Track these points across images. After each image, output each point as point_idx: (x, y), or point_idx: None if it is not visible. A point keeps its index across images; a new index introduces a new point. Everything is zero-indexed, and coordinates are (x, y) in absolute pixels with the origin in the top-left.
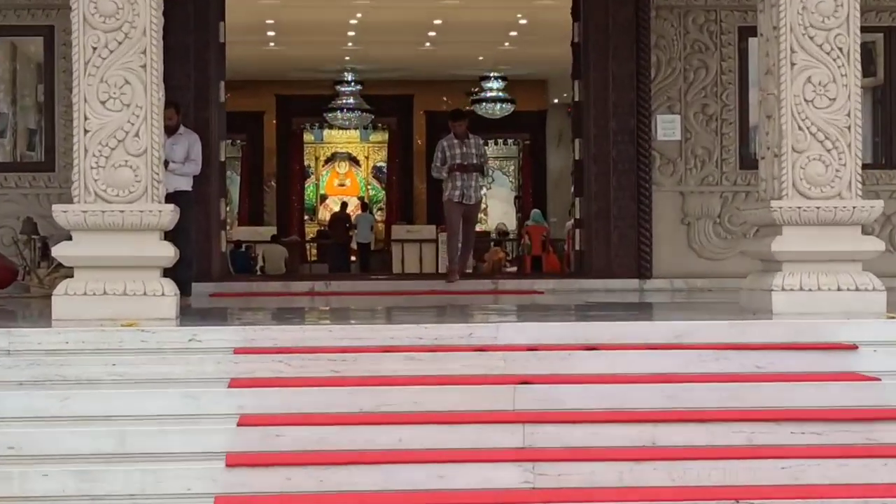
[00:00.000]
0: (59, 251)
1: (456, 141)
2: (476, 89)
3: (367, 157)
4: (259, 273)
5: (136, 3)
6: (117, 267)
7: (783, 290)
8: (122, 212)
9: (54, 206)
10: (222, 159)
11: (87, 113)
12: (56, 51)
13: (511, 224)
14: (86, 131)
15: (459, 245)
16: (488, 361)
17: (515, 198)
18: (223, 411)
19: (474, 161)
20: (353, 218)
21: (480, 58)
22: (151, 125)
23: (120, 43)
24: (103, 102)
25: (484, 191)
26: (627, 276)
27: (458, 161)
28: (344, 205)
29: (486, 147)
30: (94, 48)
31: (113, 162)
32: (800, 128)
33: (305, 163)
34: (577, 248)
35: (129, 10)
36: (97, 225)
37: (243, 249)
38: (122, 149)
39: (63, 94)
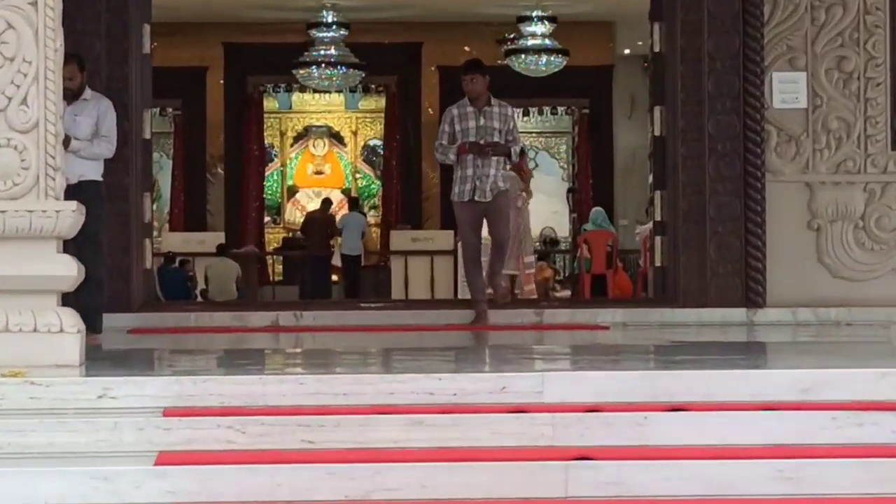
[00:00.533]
0: None
1: (471, 109)
2: (512, 35)
3: (354, 133)
4: (200, 299)
5: None
6: None
7: None
8: (2, 212)
9: None
10: (147, 136)
11: None
12: None
13: (563, 229)
14: None
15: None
16: (530, 428)
17: (569, 191)
18: (147, 500)
19: (495, 139)
20: (336, 220)
21: None
22: (45, 88)
23: None
24: None
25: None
26: (730, 304)
27: (470, 138)
28: (326, 202)
29: (519, 119)
30: None
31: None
32: None
33: (266, 141)
34: (658, 263)
35: None
36: None
37: (177, 265)
38: (3, 122)
39: None
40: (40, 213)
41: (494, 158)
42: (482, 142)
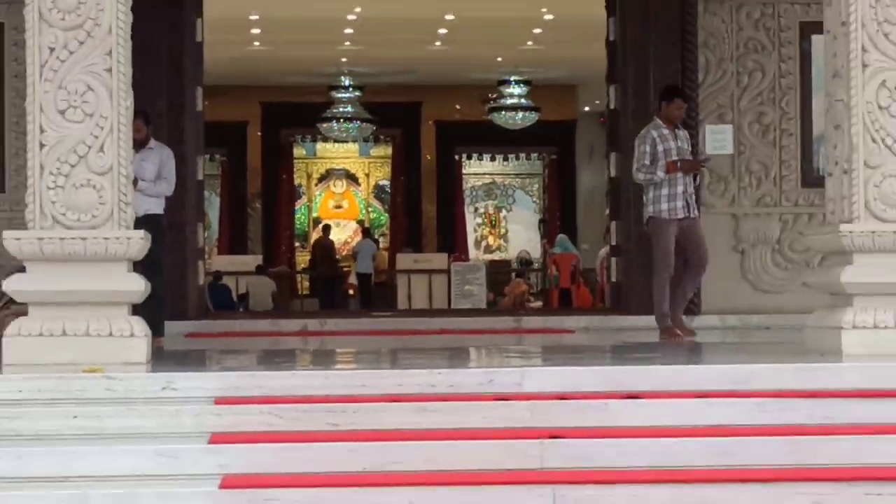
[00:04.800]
0: (11, 285)
1: (667, 131)
2: (494, 95)
3: (367, 175)
4: (242, 310)
5: (101, 23)
6: (79, 303)
7: (854, 327)
8: (83, 239)
9: (4, 233)
10: (200, 177)
11: (44, 124)
12: (6, 52)
13: (535, 252)
14: (42, 145)
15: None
16: (512, 412)
17: (540, 221)
18: (203, 471)
19: (695, 157)
20: (349, 246)
21: (499, 59)
22: (118, 138)
23: (82, 43)
24: (62, 112)
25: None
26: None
27: (674, 157)
28: (326, 228)
29: (499, 164)
30: (52, 49)
31: (73, 181)
32: (873, 140)
33: (296, 181)
34: (613, 279)
35: (92, 4)
36: (55, 254)
37: (224, 282)
38: (85, 166)
39: (14, 103)
40: (114, 240)
41: (691, 176)
42: (695, 161)
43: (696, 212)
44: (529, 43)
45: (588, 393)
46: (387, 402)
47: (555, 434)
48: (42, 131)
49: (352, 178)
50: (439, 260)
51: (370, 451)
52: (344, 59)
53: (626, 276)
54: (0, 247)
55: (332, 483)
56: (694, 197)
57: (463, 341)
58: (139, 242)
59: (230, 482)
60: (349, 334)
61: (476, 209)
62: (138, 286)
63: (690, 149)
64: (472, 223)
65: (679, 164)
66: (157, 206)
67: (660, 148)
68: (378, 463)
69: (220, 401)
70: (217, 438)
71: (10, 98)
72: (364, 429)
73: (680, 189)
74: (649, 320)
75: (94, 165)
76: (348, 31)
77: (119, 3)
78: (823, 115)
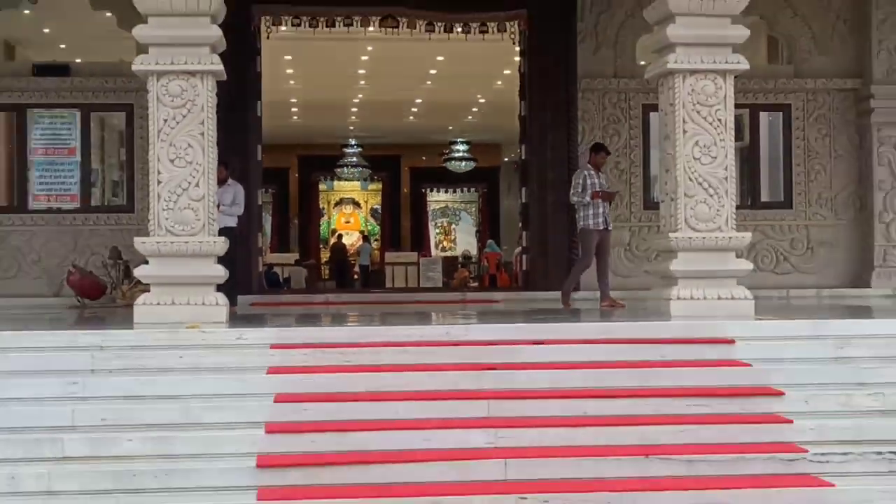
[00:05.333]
0: (140, 272)
1: (593, 172)
2: (447, 150)
3: (366, 202)
4: (286, 288)
5: (197, 86)
6: (182, 284)
7: (678, 299)
8: (186, 243)
9: (136, 238)
10: (259, 203)
11: (160, 169)
12: (135, 122)
13: (474, 250)
14: (158, 182)
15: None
16: (461, 353)
17: (476, 231)
18: (263, 391)
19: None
20: (354, 247)
21: (450, 127)
22: (207, 178)
23: (184, 116)
24: (172, 161)
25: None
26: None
27: (598, 189)
28: (339, 236)
29: (448, 194)
30: (165, 120)
31: (179, 205)
32: (690, 179)
33: (320, 206)
34: (524, 268)
35: (191, 91)
36: (167, 252)
37: (274, 270)
38: (186, 196)
39: (140, 155)
40: (205, 243)
41: (607, 203)
42: (609, 191)
43: (610, 226)
44: (470, 117)
45: (510, 340)
46: (380, 346)
47: (489, 367)
48: (159, 173)
49: (356, 204)
50: (412, 256)
51: (370, 378)
52: (351, 128)
53: (532, 267)
54: (133, 247)
55: (346, 399)
56: (609, 216)
57: (428, 308)
58: (221, 245)
59: (280, 398)
60: (355, 304)
61: (436, 223)
62: (221, 273)
63: (607, 185)
64: (433, 232)
65: (601, 193)
66: (232, 222)
67: (588, 182)
68: (375, 386)
69: (274, 346)
70: (272, 370)
71: (138, 152)
72: (366, 364)
73: (601, 210)
74: (546, 295)
75: (192, 195)
76: (354, 109)
77: (208, 90)
78: (659, 163)
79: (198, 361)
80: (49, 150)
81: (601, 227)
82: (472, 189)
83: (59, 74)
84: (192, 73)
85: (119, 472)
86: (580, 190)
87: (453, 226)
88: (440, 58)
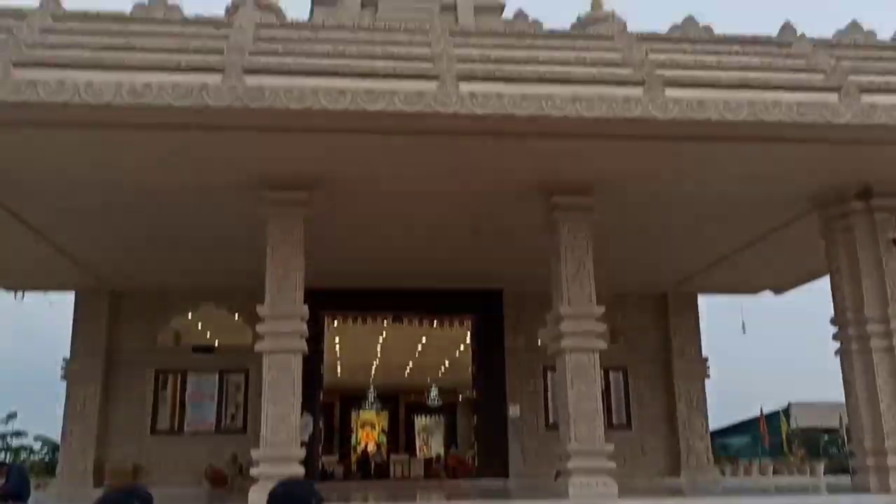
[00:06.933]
0: (253, 471)
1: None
2: (426, 392)
3: (379, 424)
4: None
5: (291, 359)
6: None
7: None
8: (281, 452)
9: (252, 450)
10: (320, 426)
11: (268, 410)
12: (250, 379)
13: (442, 452)
14: (266, 416)
15: None
16: None
17: (445, 441)
18: None
19: None
20: (372, 451)
21: (428, 379)
22: (294, 413)
23: (283, 376)
24: (275, 404)
25: None
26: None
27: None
28: (365, 445)
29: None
30: (272, 378)
31: (279, 434)
32: (574, 410)
33: (352, 426)
34: (475, 463)
35: (288, 362)
36: (270, 457)
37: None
38: (283, 423)
39: (253, 398)
40: (293, 452)
41: None
42: None
43: None
44: (440, 373)
45: None
46: None
47: None
48: (267, 413)
49: (372, 425)
50: (405, 457)
51: None
52: (371, 380)
53: (481, 462)
54: (247, 454)
55: None
56: None
57: (418, 486)
58: (301, 452)
59: None
60: (375, 485)
61: (420, 436)
62: (301, 469)
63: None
64: (419, 442)
65: None
66: (305, 437)
67: None
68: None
69: None
70: None
71: (252, 397)
72: None
73: None
74: (492, 482)
75: (286, 423)
76: (373, 370)
77: (297, 361)
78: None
79: None
80: (197, 397)
81: None
82: (441, 415)
83: (207, 352)
84: (289, 351)
85: None
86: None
87: (430, 437)
88: (424, 339)
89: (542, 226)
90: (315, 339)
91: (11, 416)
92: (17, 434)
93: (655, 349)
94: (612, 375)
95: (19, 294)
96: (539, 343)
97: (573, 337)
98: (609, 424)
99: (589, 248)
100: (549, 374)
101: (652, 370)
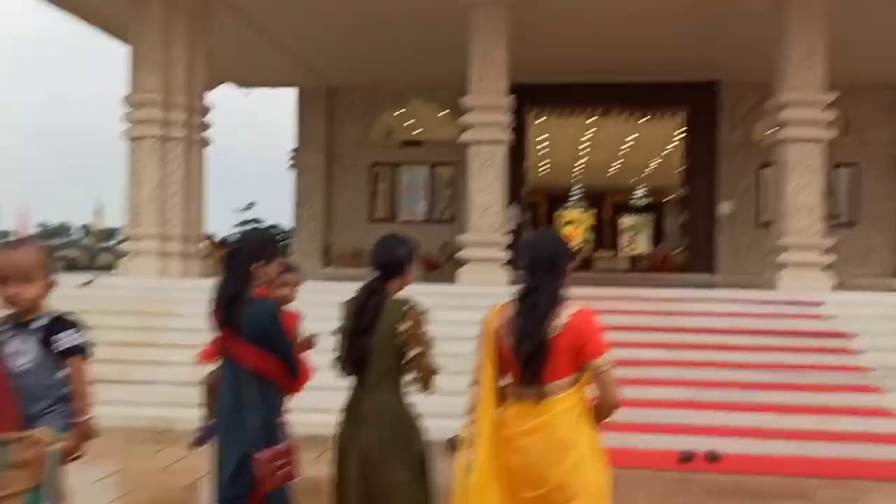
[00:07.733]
0: (460, 254)
1: None
2: (631, 192)
3: (584, 223)
4: None
5: (496, 150)
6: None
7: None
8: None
9: (458, 236)
10: (527, 218)
11: (474, 199)
12: (458, 173)
13: (646, 249)
14: (472, 203)
15: None
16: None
17: (650, 238)
18: None
19: None
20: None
21: (633, 179)
22: (500, 202)
23: (488, 167)
24: (481, 191)
25: None
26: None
27: None
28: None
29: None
30: (478, 169)
31: (485, 220)
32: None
33: (555, 223)
34: (682, 258)
35: (493, 153)
36: (480, 242)
37: None
38: (489, 211)
39: (463, 195)
40: (504, 238)
41: None
42: None
43: None
44: (647, 171)
45: (683, 298)
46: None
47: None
48: (473, 198)
49: (577, 223)
50: (611, 252)
51: None
52: (575, 179)
53: (689, 256)
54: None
55: None
56: None
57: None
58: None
59: None
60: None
61: (624, 235)
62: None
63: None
64: (624, 237)
65: None
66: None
67: None
68: None
69: None
70: None
71: (459, 189)
72: None
73: None
74: (696, 277)
75: (491, 211)
76: (578, 167)
77: (502, 153)
78: (772, 196)
79: None
80: (410, 189)
81: None
82: (647, 215)
83: (416, 146)
84: (493, 143)
85: None
86: None
87: (636, 236)
88: (631, 136)
89: (769, 1)
90: (519, 132)
91: (250, 206)
92: (255, 221)
93: (889, 144)
94: (837, 171)
95: (247, 91)
96: (754, 138)
97: (797, 126)
98: (831, 221)
99: (823, 26)
100: (760, 174)
101: (885, 166)
